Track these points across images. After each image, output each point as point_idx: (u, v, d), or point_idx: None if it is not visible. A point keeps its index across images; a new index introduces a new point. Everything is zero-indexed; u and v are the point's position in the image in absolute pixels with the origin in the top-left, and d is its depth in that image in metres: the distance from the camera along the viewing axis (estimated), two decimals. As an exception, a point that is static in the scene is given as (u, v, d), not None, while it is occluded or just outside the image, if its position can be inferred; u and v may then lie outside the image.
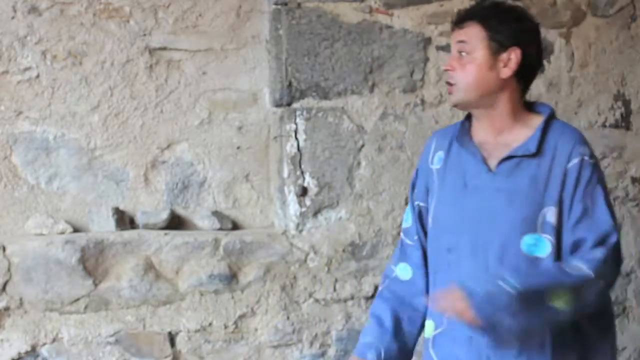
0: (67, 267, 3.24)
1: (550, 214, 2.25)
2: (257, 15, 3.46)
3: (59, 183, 3.40)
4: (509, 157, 2.29)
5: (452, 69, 2.31)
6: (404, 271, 2.46)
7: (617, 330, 3.58)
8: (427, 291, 2.44)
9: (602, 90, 3.59)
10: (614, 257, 2.25)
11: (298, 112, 3.38)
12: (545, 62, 3.54)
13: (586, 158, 2.27)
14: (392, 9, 3.42)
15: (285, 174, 3.39)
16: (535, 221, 2.26)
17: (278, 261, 3.36)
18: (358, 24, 3.40)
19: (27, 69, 3.36)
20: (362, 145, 3.42)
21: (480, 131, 2.36)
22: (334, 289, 3.40)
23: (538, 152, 2.27)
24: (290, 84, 3.38)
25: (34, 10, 3.35)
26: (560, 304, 2.17)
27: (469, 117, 2.42)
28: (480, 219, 2.29)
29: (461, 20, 2.33)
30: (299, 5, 3.37)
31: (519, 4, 3.45)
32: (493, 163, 2.31)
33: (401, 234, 2.51)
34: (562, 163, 2.26)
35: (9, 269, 3.23)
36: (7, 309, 3.24)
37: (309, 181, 3.39)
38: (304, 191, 3.39)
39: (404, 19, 3.42)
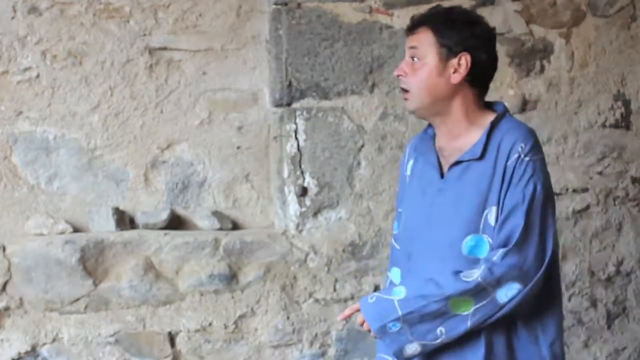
0: (67, 267, 3.24)
1: (490, 214, 2.25)
2: (257, 15, 3.47)
3: (59, 183, 3.40)
4: (458, 162, 2.29)
5: (404, 75, 2.30)
6: (395, 275, 2.46)
7: (617, 330, 3.60)
8: None
9: (602, 90, 3.59)
10: (515, 259, 2.20)
11: (298, 112, 3.38)
12: (545, 62, 3.54)
13: (522, 156, 2.23)
14: (392, 9, 3.42)
15: (285, 174, 3.39)
16: (477, 223, 2.26)
17: (278, 261, 3.36)
18: (358, 24, 3.40)
19: (27, 69, 3.36)
20: (362, 145, 3.42)
21: (440, 137, 2.36)
22: (334, 289, 3.41)
23: (483, 155, 2.26)
24: (290, 84, 3.38)
25: (34, 10, 3.35)
26: (463, 310, 2.21)
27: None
28: (432, 224, 2.31)
29: (414, 25, 2.32)
30: (299, 5, 3.37)
31: (518, 4, 3.48)
32: (447, 169, 2.33)
33: (392, 239, 2.54)
34: (502, 162, 2.25)
35: (9, 269, 3.24)
36: (7, 309, 3.24)
37: (309, 181, 3.39)
38: (304, 191, 3.39)
39: (404, 19, 3.42)
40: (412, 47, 2.31)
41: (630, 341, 3.65)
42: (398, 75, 2.32)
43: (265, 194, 3.51)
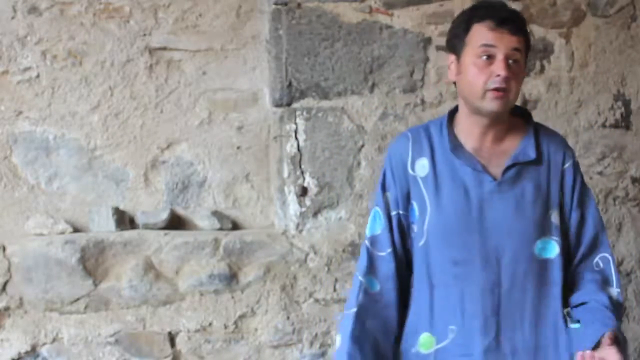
0: (67, 267, 3.24)
1: (554, 216, 2.29)
2: (257, 15, 3.47)
3: (59, 183, 3.40)
4: (513, 165, 2.29)
5: (510, 77, 2.24)
6: (370, 283, 2.39)
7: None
8: (397, 303, 2.38)
9: (602, 90, 3.59)
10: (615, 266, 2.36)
11: (298, 112, 3.38)
12: (545, 62, 3.54)
13: (575, 161, 2.34)
14: (392, 9, 3.42)
15: (285, 174, 3.39)
16: (544, 225, 2.29)
17: (278, 261, 3.36)
18: (358, 24, 3.40)
19: (27, 69, 3.36)
20: (362, 145, 3.42)
21: (474, 137, 2.32)
22: (334, 289, 3.41)
23: (537, 157, 2.30)
24: (290, 84, 3.38)
25: (34, 10, 3.35)
26: None
27: (449, 123, 2.38)
28: (488, 228, 2.28)
29: (517, 27, 2.27)
30: (299, 5, 3.37)
31: (518, 4, 3.48)
32: (494, 171, 2.30)
33: (366, 242, 2.41)
34: (558, 166, 2.31)
35: (9, 269, 3.24)
36: (7, 309, 3.24)
37: (309, 181, 3.39)
38: (304, 191, 3.39)
39: (404, 19, 3.42)
40: (515, 49, 2.25)
41: (630, 341, 3.64)
42: (505, 77, 2.23)
43: (265, 194, 3.51)
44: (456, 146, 2.32)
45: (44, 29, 3.36)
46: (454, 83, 2.37)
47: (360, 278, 2.40)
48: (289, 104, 3.39)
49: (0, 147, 3.38)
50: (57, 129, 3.39)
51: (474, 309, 2.28)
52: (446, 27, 3.40)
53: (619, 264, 3.62)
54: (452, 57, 2.35)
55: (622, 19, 3.60)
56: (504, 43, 2.24)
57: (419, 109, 3.44)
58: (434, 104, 3.45)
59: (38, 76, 3.37)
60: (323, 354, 3.41)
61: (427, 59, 3.44)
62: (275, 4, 3.37)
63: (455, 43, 2.34)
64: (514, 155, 2.29)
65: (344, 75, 3.40)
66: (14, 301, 3.25)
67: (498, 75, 2.22)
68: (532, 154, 2.29)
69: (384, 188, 2.40)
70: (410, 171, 2.36)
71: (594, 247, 2.34)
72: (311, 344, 3.40)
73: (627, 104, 3.61)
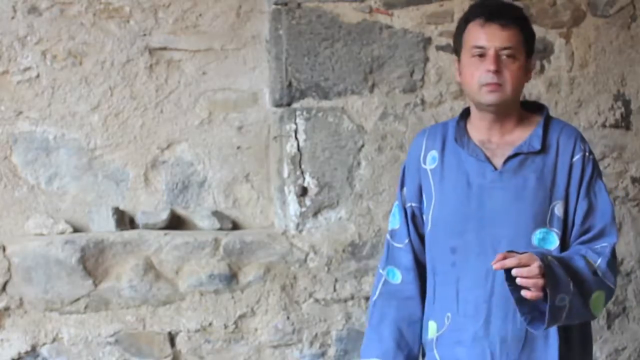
0: (67, 267, 3.24)
1: (558, 208, 2.31)
2: (257, 15, 3.46)
3: (59, 183, 3.40)
4: (515, 155, 2.31)
5: (500, 70, 2.28)
6: (392, 275, 2.47)
7: (617, 330, 3.60)
8: (420, 294, 2.44)
9: (602, 90, 3.59)
10: (614, 258, 2.31)
11: (298, 112, 3.38)
12: (545, 62, 3.54)
13: (587, 154, 2.34)
14: (392, 9, 3.42)
15: (285, 174, 3.39)
16: (544, 216, 2.30)
17: (278, 261, 3.36)
18: (358, 24, 3.40)
19: (27, 69, 3.36)
20: (362, 145, 3.42)
21: (482, 131, 2.37)
22: (334, 289, 3.41)
23: (542, 148, 2.32)
24: (290, 84, 3.38)
25: (34, 10, 3.35)
26: (595, 306, 2.25)
27: (463, 117, 2.43)
28: (487, 217, 2.31)
29: (506, 22, 2.30)
30: (299, 5, 3.37)
31: (518, 4, 3.48)
32: (498, 162, 2.33)
33: (387, 235, 2.51)
34: (566, 158, 2.32)
35: (9, 269, 3.24)
36: (7, 309, 3.24)
37: (309, 181, 3.39)
38: (304, 191, 3.39)
39: (404, 19, 3.42)
40: (506, 47, 2.29)
41: (630, 341, 3.65)
42: (495, 71, 2.28)
43: (265, 194, 3.51)
44: (461, 137, 2.37)
45: (44, 29, 3.36)
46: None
47: (380, 270, 2.50)
48: (289, 104, 3.39)
49: (0, 147, 3.38)
50: (57, 129, 3.39)
51: (467, 295, 2.32)
52: (446, 27, 3.43)
53: (619, 264, 3.62)
54: (455, 58, 2.42)
55: (622, 19, 3.60)
56: (494, 39, 2.29)
57: (419, 109, 3.44)
58: (434, 104, 3.45)
59: (38, 76, 3.37)
60: (323, 354, 3.41)
61: (427, 59, 3.44)
62: (275, 4, 3.37)
63: (455, 44, 2.41)
64: (517, 146, 2.33)
65: (344, 75, 3.40)
66: (14, 301, 3.25)
67: (488, 71, 2.28)
68: (537, 145, 2.32)
69: (401, 184, 2.48)
70: (422, 165, 2.42)
71: (598, 237, 2.32)
72: (311, 344, 3.40)
73: (627, 104, 3.61)
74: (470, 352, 2.31)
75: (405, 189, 2.46)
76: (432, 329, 2.40)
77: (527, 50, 2.34)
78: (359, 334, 3.40)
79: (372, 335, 2.48)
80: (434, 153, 2.41)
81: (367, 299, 3.41)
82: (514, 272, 2.07)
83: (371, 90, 3.42)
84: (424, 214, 2.42)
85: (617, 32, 3.59)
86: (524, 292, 2.09)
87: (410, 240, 2.45)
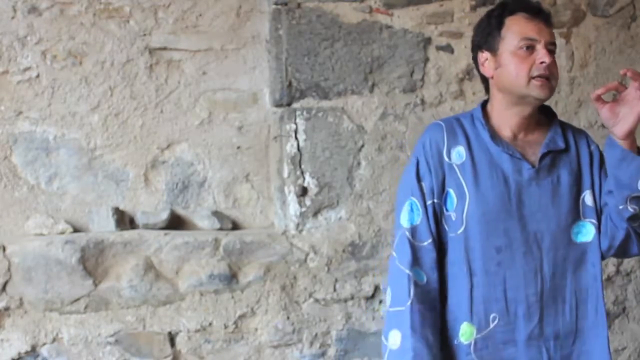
0: (67, 267, 3.24)
1: (588, 197, 2.37)
2: (257, 15, 3.47)
3: (59, 183, 3.40)
4: (548, 153, 2.36)
5: (552, 64, 2.32)
6: (419, 275, 2.34)
7: (617, 330, 3.59)
8: (441, 294, 2.35)
9: (602, 90, 3.59)
10: None
11: (298, 112, 3.38)
12: (545, 62, 3.54)
13: (598, 148, 2.44)
14: (392, 9, 3.42)
15: (285, 174, 3.39)
16: (578, 209, 2.35)
17: (278, 261, 3.36)
18: (358, 24, 3.40)
19: (27, 69, 3.36)
20: (362, 145, 3.42)
21: (511, 127, 2.38)
22: (334, 289, 3.40)
23: (566, 146, 2.39)
24: (290, 84, 3.38)
25: (34, 10, 3.35)
26: None
27: (483, 114, 2.41)
28: (527, 215, 2.32)
29: (548, 19, 2.36)
30: (299, 5, 3.37)
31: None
32: (532, 159, 2.36)
33: (406, 233, 2.34)
34: (585, 150, 2.41)
35: (9, 269, 3.23)
36: (7, 309, 3.24)
37: (309, 181, 3.39)
38: (304, 191, 3.39)
39: (404, 19, 3.42)
40: (551, 42, 2.33)
41: (630, 341, 3.65)
42: (548, 64, 2.31)
43: (265, 194, 3.51)
44: (495, 135, 2.37)
45: (44, 29, 3.36)
46: (488, 79, 2.41)
47: (407, 271, 2.32)
48: (289, 104, 3.39)
49: (0, 147, 3.38)
50: (57, 129, 3.39)
51: (517, 295, 2.31)
52: (446, 27, 3.43)
53: (618, 264, 3.62)
54: (486, 54, 2.38)
55: (622, 19, 3.60)
56: (542, 33, 2.32)
57: (419, 109, 3.44)
58: (434, 104, 3.45)
59: (38, 76, 3.37)
60: (323, 354, 3.41)
61: (427, 59, 3.44)
62: (275, 4, 3.37)
63: (488, 40, 2.38)
64: (545, 144, 2.36)
65: (344, 75, 3.40)
66: (14, 301, 3.25)
67: (542, 63, 2.30)
68: (561, 144, 2.38)
69: (418, 178, 2.38)
70: (446, 159, 2.37)
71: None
72: (311, 344, 3.40)
73: (627, 104, 3.61)
74: (525, 351, 2.31)
75: (423, 183, 2.36)
76: (468, 332, 2.33)
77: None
78: (359, 334, 3.40)
79: (417, 342, 2.27)
80: (460, 149, 2.36)
81: (367, 299, 3.41)
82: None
83: (371, 90, 3.42)
84: (453, 212, 2.34)
85: (617, 32, 3.60)
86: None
87: (433, 239, 2.34)
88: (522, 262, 2.31)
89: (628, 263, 3.63)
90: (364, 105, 3.42)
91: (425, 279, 2.33)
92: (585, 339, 2.34)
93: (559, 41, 3.54)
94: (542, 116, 2.44)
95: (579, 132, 2.47)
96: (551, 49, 2.33)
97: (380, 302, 3.41)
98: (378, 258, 3.40)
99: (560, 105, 3.55)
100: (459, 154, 2.37)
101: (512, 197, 2.32)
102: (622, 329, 3.63)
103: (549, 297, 2.31)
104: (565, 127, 2.45)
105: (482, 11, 3.38)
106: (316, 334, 3.40)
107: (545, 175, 2.35)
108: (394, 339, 2.30)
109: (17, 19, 3.35)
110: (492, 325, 2.32)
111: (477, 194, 2.33)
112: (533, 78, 2.30)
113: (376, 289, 3.41)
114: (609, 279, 3.61)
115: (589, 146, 2.43)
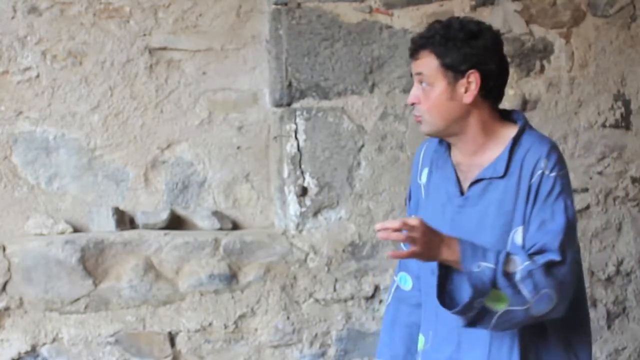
0: (67, 267, 3.24)
1: (517, 235, 2.18)
2: (257, 15, 3.46)
3: (59, 183, 3.40)
4: (478, 180, 2.21)
5: (418, 102, 2.22)
6: (404, 281, 2.43)
7: (617, 330, 3.60)
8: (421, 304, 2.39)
9: (602, 90, 3.59)
10: (545, 273, 2.12)
11: (298, 112, 3.38)
12: (545, 62, 3.54)
13: (546, 172, 2.17)
14: (392, 9, 3.42)
15: (285, 174, 3.39)
16: (504, 244, 2.18)
17: (278, 261, 3.36)
18: (358, 24, 3.40)
19: (27, 69, 3.36)
20: (362, 145, 3.42)
21: (457, 153, 2.28)
22: (334, 289, 3.41)
23: (506, 172, 2.18)
24: (290, 84, 3.38)
25: (34, 10, 3.35)
26: (496, 305, 2.12)
27: None
28: None
29: (415, 50, 2.22)
30: (299, 5, 3.37)
31: (518, 4, 3.48)
32: (466, 185, 2.24)
33: (401, 243, 2.35)
34: (526, 180, 2.18)
35: (9, 269, 3.23)
36: (7, 309, 3.24)
37: (309, 181, 3.39)
38: (304, 191, 3.39)
39: (404, 19, 3.42)
40: (418, 74, 2.22)
41: (630, 341, 3.65)
42: (411, 104, 2.24)
43: (265, 194, 3.51)
44: (440, 158, 2.30)
45: (44, 29, 3.36)
46: None
47: (394, 277, 2.48)
48: (289, 104, 3.39)
49: (0, 147, 3.38)
50: (57, 129, 3.39)
51: (444, 317, 2.24)
52: (446, 27, 3.42)
53: (618, 264, 3.62)
54: None
55: (622, 19, 3.60)
56: (414, 68, 2.24)
57: (419, 109, 3.44)
58: (434, 104, 3.45)
59: (38, 76, 3.37)
60: (323, 354, 3.41)
61: (427, 59, 3.44)
62: (275, 4, 3.37)
63: None
64: (482, 171, 2.22)
65: (344, 75, 3.40)
66: (14, 301, 3.25)
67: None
68: (500, 170, 2.18)
69: (408, 195, 2.44)
70: (418, 180, 2.38)
71: (540, 253, 2.15)
72: (311, 344, 3.40)
73: (627, 104, 3.61)
74: None
75: (411, 203, 2.41)
76: (421, 342, 2.37)
77: (454, 72, 2.18)
78: (359, 334, 3.40)
79: (384, 338, 2.47)
80: (426, 170, 2.34)
81: (367, 299, 3.42)
82: (377, 226, 2.04)
83: (371, 90, 3.42)
84: None
85: (617, 32, 3.60)
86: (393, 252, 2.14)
87: None
88: None
89: (628, 263, 3.63)
90: (364, 105, 3.42)
91: (410, 285, 2.42)
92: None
93: (559, 41, 3.55)
94: (512, 128, 2.24)
95: (533, 154, 2.19)
96: (419, 78, 2.21)
97: (381, 302, 3.41)
98: (378, 258, 3.41)
99: (560, 105, 3.55)
100: (426, 174, 2.35)
101: (446, 224, 2.21)
102: (622, 329, 3.63)
103: (465, 330, 2.18)
104: (522, 146, 2.20)
105: (482, 11, 3.41)
106: (316, 334, 3.41)
107: (474, 203, 2.21)
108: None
109: (17, 19, 3.35)
110: (429, 342, 2.32)
111: (424, 214, 2.27)
112: None
113: (376, 289, 3.41)
114: (609, 279, 3.62)
115: (531, 178, 2.16)
